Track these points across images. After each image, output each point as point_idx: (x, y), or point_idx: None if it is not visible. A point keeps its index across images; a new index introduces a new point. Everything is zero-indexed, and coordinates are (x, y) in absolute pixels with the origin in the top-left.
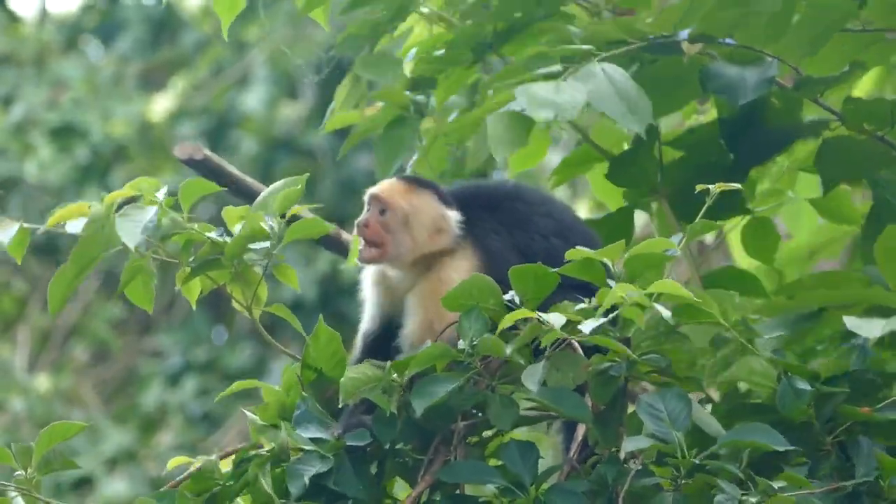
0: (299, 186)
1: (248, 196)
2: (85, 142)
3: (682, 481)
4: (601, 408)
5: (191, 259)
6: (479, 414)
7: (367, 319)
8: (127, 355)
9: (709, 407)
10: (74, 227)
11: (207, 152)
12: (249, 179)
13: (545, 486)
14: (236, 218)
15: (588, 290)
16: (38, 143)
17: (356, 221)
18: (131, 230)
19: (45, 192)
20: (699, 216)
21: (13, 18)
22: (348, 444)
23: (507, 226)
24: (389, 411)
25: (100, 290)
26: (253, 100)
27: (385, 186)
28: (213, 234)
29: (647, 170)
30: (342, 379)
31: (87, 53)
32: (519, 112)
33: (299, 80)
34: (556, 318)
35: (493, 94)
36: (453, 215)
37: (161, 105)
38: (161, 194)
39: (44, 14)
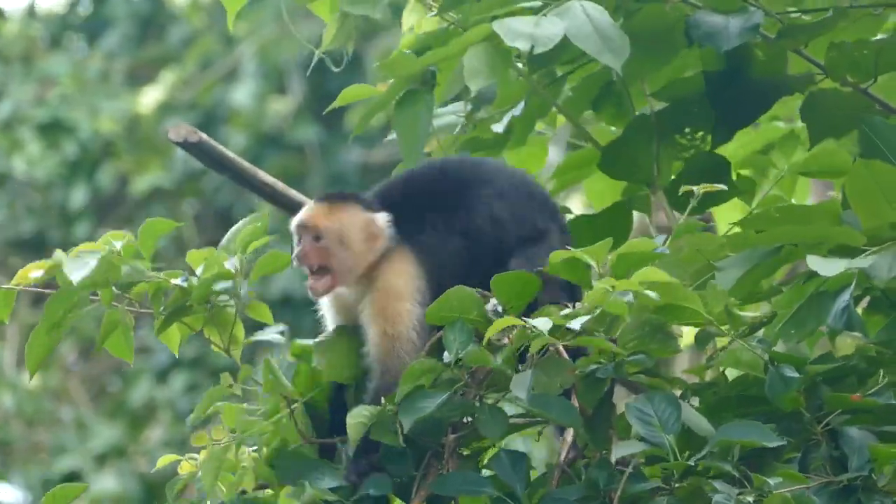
0: (260, 224)
1: (244, 181)
2: (73, 138)
3: (676, 484)
4: (589, 411)
5: (162, 308)
6: (468, 422)
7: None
8: None
9: (696, 399)
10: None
11: (202, 135)
12: (246, 164)
13: (538, 494)
14: (200, 260)
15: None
16: (26, 139)
17: (293, 256)
18: (78, 268)
19: (33, 188)
20: (687, 210)
21: (0, 14)
22: (372, 493)
23: (444, 209)
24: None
25: None
26: (241, 94)
27: (310, 214)
28: (178, 281)
29: (641, 161)
30: (348, 424)
31: (75, 49)
32: (495, 44)
33: (288, 74)
34: (542, 324)
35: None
36: (381, 217)
37: (149, 98)
38: (119, 244)
39: (31, 10)
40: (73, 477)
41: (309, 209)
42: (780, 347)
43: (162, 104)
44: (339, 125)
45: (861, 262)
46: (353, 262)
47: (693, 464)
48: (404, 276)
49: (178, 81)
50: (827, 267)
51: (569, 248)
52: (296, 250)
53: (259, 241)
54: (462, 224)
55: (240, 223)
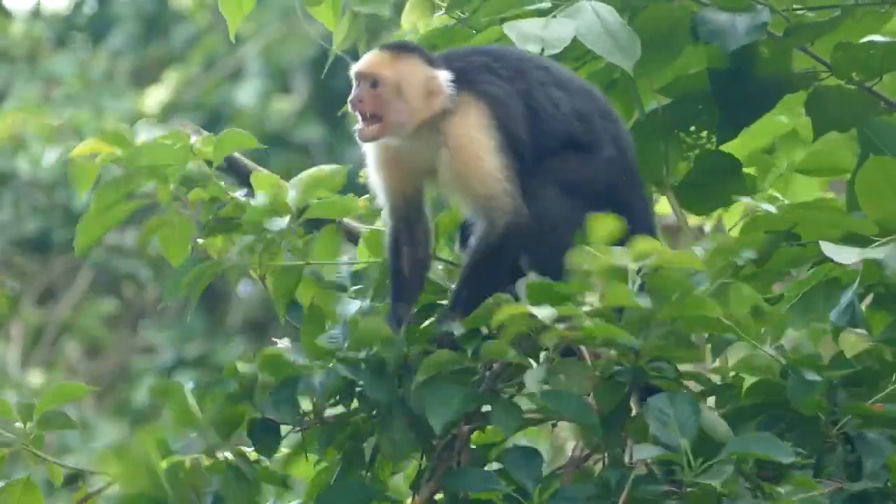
0: (338, 177)
1: (247, 180)
2: (77, 138)
3: (687, 489)
4: (605, 412)
5: (212, 217)
6: (481, 413)
7: (387, 212)
8: (119, 351)
9: (712, 399)
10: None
11: (206, 133)
12: (250, 164)
13: (548, 491)
14: (265, 184)
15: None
16: (31, 139)
17: (349, 100)
18: (148, 132)
19: (37, 188)
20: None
21: (5, 14)
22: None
23: (505, 76)
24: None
25: (92, 286)
26: (246, 94)
27: (371, 60)
28: (239, 194)
29: (651, 161)
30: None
31: (79, 49)
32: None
33: (292, 74)
34: (545, 312)
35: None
36: (442, 75)
37: (154, 97)
38: (194, 137)
39: (36, 10)
40: (77, 476)
41: (370, 56)
42: (787, 337)
43: (167, 104)
44: (343, 124)
45: (874, 251)
46: (407, 114)
47: (704, 470)
48: (479, 128)
49: (183, 81)
50: (841, 254)
51: (631, 162)
52: (351, 95)
53: (323, 192)
54: (520, 90)
55: (323, 167)
